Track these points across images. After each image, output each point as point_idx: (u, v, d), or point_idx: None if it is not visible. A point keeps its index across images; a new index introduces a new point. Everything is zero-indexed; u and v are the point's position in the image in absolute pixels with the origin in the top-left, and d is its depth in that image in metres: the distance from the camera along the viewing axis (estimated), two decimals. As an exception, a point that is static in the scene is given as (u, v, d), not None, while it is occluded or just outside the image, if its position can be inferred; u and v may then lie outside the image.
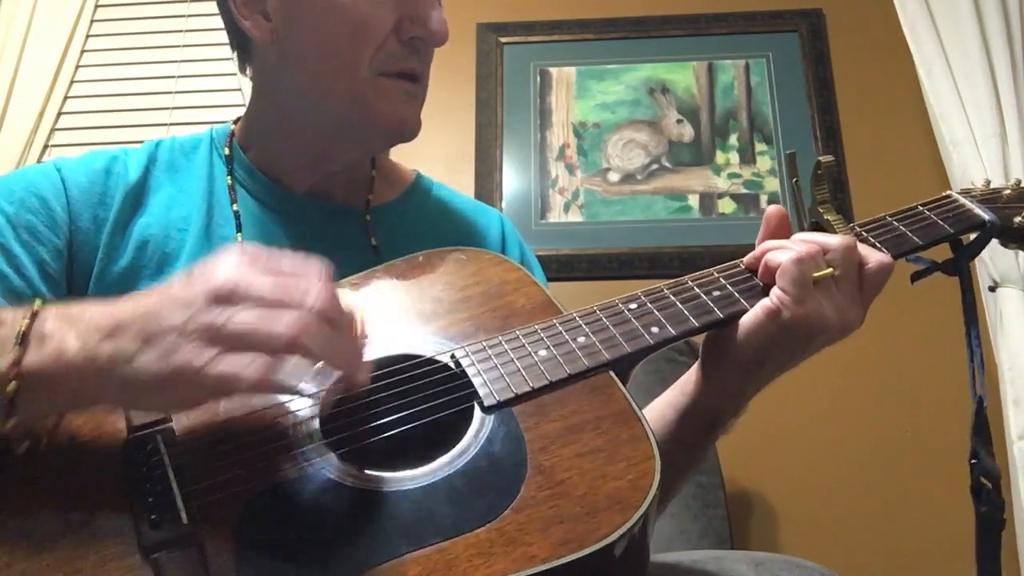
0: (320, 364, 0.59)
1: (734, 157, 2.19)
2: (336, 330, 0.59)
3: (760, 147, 2.19)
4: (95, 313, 0.60)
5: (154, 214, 0.89)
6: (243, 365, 0.55)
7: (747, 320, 0.73)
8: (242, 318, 0.56)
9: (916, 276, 0.85)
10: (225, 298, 0.57)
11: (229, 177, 0.93)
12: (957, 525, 0.80)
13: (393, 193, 1.01)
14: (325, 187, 0.94)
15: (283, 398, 0.68)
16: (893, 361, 1.95)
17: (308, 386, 0.65)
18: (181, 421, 0.66)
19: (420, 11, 0.85)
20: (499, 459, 0.63)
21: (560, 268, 2.08)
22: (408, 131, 0.89)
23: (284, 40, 0.86)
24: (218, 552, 0.57)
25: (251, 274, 0.59)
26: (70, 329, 0.59)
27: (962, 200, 0.85)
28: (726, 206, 2.14)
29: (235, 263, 0.59)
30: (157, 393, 0.58)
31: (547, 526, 0.57)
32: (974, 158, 1.93)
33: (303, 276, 0.60)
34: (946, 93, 2.00)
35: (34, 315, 0.60)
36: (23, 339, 0.58)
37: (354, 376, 0.62)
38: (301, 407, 0.67)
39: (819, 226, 0.82)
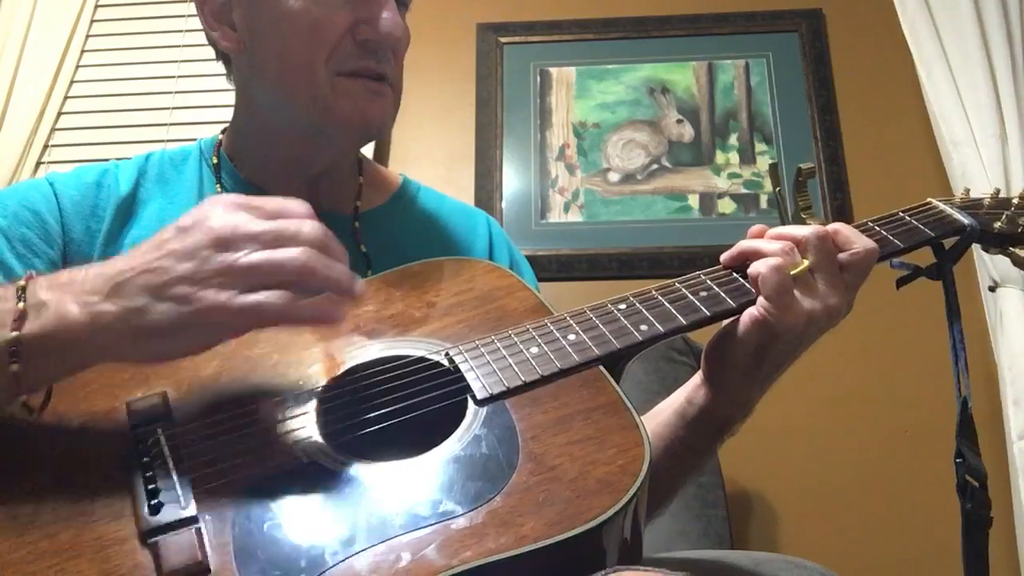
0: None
1: (734, 157, 2.19)
2: (332, 257, 0.63)
3: (760, 147, 2.19)
4: (85, 278, 0.62)
5: (145, 226, 0.90)
6: (265, 296, 0.60)
7: (738, 329, 0.75)
8: (252, 257, 0.60)
9: (901, 282, 0.87)
10: (227, 242, 0.61)
11: (218, 185, 0.94)
12: (956, 525, 0.81)
13: (380, 198, 1.02)
14: (311, 194, 0.94)
15: (281, 392, 0.70)
16: (893, 361, 1.95)
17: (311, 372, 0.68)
18: (181, 408, 0.68)
19: (372, 14, 0.86)
20: (492, 447, 0.64)
21: (560, 268, 2.08)
22: (374, 128, 0.90)
23: (250, 49, 0.89)
24: (217, 537, 0.58)
25: (245, 218, 0.62)
26: (65, 295, 0.61)
27: (942, 206, 0.87)
28: (726, 206, 2.14)
29: (225, 210, 0.63)
30: (173, 339, 0.61)
31: (538, 508, 0.59)
32: (974, 158, 1.93)
33: (291, 214, 0.64)
34: (946, 93, 2.00)
35: (24, 286, 0.61)
36: (20, 314, 0.60)
37: (351, 289, 0.65)
38: (300, 398, 0.69)
39: None
